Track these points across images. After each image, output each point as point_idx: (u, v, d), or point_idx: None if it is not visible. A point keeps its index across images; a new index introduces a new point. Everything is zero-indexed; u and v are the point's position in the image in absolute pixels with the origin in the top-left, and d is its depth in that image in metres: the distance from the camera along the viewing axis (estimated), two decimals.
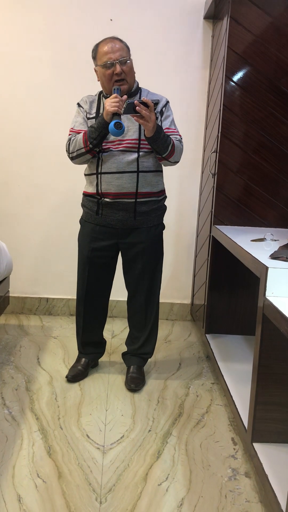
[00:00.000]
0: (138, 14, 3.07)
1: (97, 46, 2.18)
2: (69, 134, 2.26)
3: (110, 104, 2.05)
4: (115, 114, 2.04)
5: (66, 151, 2.26)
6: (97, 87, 2.32)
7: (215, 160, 2.72)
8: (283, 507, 1.42)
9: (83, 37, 3.04)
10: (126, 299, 2.48)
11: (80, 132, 2.21)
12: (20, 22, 3.06)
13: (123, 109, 2.03)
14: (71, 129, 2.26)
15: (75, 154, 2.22)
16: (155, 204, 2.31)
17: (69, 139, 2.24)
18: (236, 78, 2.60)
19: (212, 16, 3.01)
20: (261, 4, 2.52)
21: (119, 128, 1.99)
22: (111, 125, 1.99)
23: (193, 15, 3.08)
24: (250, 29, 2.54)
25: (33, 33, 3.08)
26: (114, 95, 2.08)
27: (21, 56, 3.10)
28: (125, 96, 2.11)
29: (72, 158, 2.25)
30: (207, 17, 3.04)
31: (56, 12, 3.06)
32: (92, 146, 2.16)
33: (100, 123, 2.11)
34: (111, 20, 3.07)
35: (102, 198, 2.25)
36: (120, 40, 2.18)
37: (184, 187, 3.28)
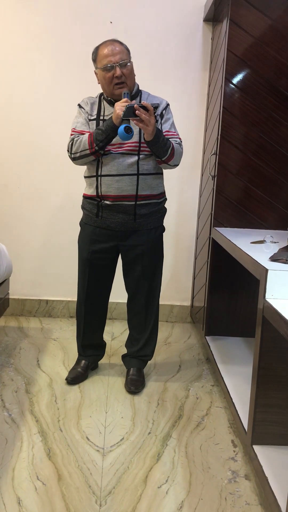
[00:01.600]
0: (138, 17, 3.07)
1: (97, 49, 2.19)
2: (71, 134, 2.25)
3: (120, 108, 2.05)
4: (125, 119, 2.04)
5: (68, 151, 2.25)
6: (97, 89, 2.32)
7: (215, 162, 2.73)
8: (283, 509, 1.42)
9: (83, 39, 3.04)
10: (126, 301, 2.48)
11: (83, 133, 2.20)
12: (20, 24, 3.07)
13: (122, 112, 2.04)
14: (73, 130, 2.26)
15: (78, 155, 2.21)
16: (155, 206, 2.31)
17: (72, 139, 2.23)
18: (235, 80, 2.60)
19: (212, 18, 3.02)
20: (260, 6, 2.53)
21: (129, 132, 2.00)
22: (121, 129, 2.00)
23: (193, 18, 3.09)
24: (249, 31, 2.55)
25: (33, 36, 3.08)
26: (124, 99, 2.08)
27: (21, 59, 3.10)
28: (134, 101, 2.11)
29: (74, 159, 2.24)
30: (206, 19, 3.05)
31: (56, 15, 3.06)
32: (98, 148, 2.16)
33: (109, 126, 2.10)
34: (111, 22, 3.07)
35: (102, 201, 2.25)
36: (120, 43, 2.18)
37: (184, 189, 3.28)
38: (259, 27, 2.55)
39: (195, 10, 3.08)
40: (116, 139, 2.17)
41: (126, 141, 2.14)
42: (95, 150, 2.16)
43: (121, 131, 2.00)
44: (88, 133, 2.18)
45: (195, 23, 3.10)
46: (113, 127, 2.09)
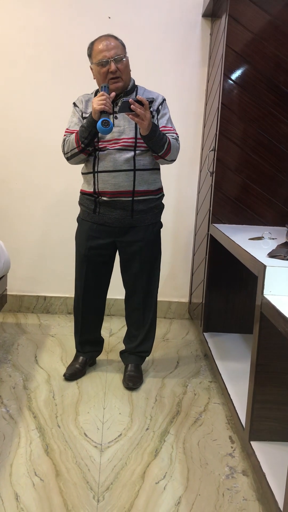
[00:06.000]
0: (136, 12, 3.06)
1: (92, 44, 2.18)
2: (64, 135, 2.26)
3: (97, 102, 2.05)
4: (103, 112, 2.04)
5: (62, 152, 2.26)
6: (96, 85, 2.31)
7: (213, 159, 2.72)
8: (281, 505, 1.42)
9: (81, 35, 3.03)
10: (123, 298, 2.48)
11: (74, 133, 2.21)
12: (18, 20, 3.05)
13: (118, 107, 2.03)
14: (67, 130, 2.27)
15: (69, 154, 2.22)
16: (153, 202, 2.31)
17: (64, 140, 2.24)
18: (234, 76, 2.59)
19: (211, 14, 3.01)
20: (259, 2, 2.52)
21: (106, 126, 1.99)
22: (99, 123, 1.99)
23: (192, 13, 3.07)
24: (248, 27, 2.54)
25: (31, 31, 3.07)
26: (101, 92, 2.08)
27: (19, 54, 3.09)
28: (113, 94, 2.10)
29: (67, 159, 2.26)
30: (205, 15, 3.04)
31: (54, 10, 3.05)
32: (84, 146, 2.16)
33: (89, 121, 2.11)
34: (109, 17, 3.06)
35: (100, 197, 2.25)
36: (115, 38, 2.17)
37: (182, 185, 3.27)
38: (258, 23, 2.54)
39: (193, 5, 3.07)
40: (112, 135, 2.17)
41: (122, 137, 2.14)
42: (82, 148, 2.16)
43: (98, 125, 2.00)
44: (76, 132, 2.18)
45: (193, 18, 3.08)
46: (93, 123, 2.09)
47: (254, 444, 1.76)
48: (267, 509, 1.59)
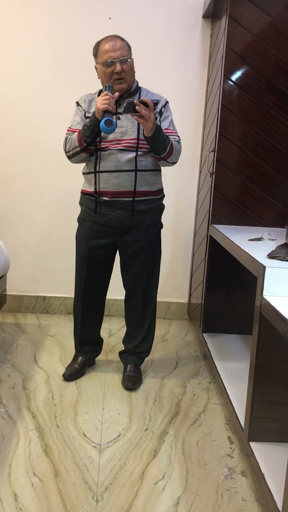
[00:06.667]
0: (136, 13, 3.06)
1: (98, 44, 2.18)
2: (66, 133, 2.27)
3: (100, 101, 2.06)
4: (106, 112, 2.04)
5: (64, 150, 2.27)
6: (96, 85, 2.32)
7: (213, 159, 2.73)
8: (279, 506, 1.42)
9: (82, 35, 3.03)
10: (123, 298, 2.48)
11: (77, 131, 2.21)
12: (19, 20, 3.05)
13: (122, 108, 2.03)
14: (69, 128, 2.27)
15: (71, 153, 2.23)
16: (153, 203, 2.31)
17: (66, 138, 2.25)
18: (234, 77, 2.59)
19: (211, 15, 3.01)
20: (259, 3, 2.52)
21: (109, 126, 2.00)
22: (102, 122, 2.01)
23: (192, 14, 3.08)
24: (248, 28, 2.54)
25: (32, 31, 3.07)
26: (104, 92, 2.09)
27: (20, 54, 3.09)
28: (116, 94, 2.11)
29: (69, 157, 2.26)
30: (205, 16, 3.04)
31: (54, 10, 3.05)
32: (86, 145, 2.16)
33: (92, 121, 2.12)
34: (109, 18, 3.06)
35: (100, 197, 2.25)
36: (122, 39, 2.18)
37: (182, 186, 3.28)
38: (258, 24, 2.54)
39: (194, 6, 3.07)
40: (114, 136, 2.17)
41: (124, 138, 2.14)
42: (84, 146, 2.17)
43: (101, 124, 2.01)
44: (78, 130, 2.18)
45: (194, 19, 3.09)
46: (96, 122, 2.10)
47: (253, 444, 1.76)
48: (266, 509, 1.59)
